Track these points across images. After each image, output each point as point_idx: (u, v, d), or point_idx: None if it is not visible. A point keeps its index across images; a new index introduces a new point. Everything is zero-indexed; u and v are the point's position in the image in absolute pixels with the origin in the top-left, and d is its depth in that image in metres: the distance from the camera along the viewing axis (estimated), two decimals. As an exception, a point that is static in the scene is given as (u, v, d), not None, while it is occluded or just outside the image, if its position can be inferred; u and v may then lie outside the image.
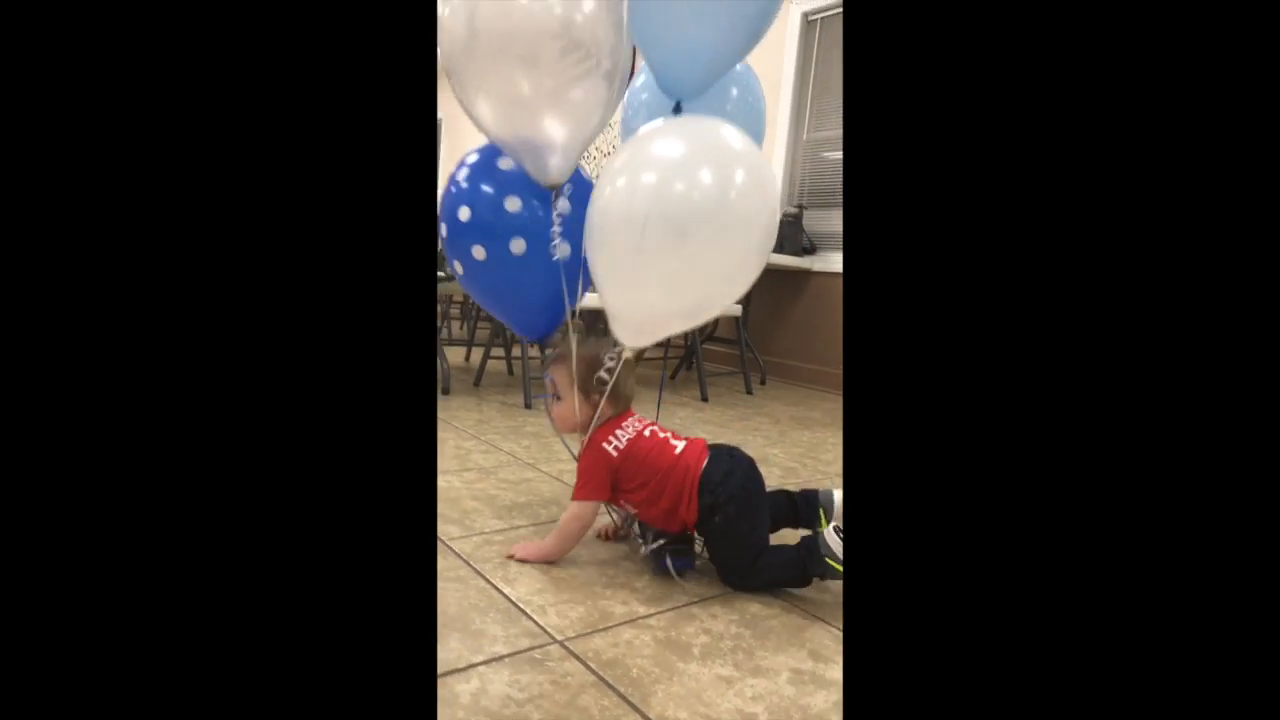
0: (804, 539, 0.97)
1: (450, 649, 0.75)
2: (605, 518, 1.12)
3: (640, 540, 1.02)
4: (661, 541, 0.99)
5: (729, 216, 0.85)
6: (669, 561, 0.98)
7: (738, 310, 2.84)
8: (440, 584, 0.90)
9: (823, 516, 1.05)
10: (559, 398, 1.05)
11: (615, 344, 1.01)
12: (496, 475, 1.41)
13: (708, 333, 3.27)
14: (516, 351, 2.70)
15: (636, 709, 0.68)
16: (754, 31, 1.02)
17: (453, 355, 3.09)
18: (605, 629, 0.83)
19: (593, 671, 0.74)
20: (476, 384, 2.45)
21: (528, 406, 2.12)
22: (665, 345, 3.38)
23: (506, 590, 0.91)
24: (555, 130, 1.01)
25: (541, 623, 0.83)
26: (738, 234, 0.87)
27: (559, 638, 0.80)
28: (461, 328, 4.08)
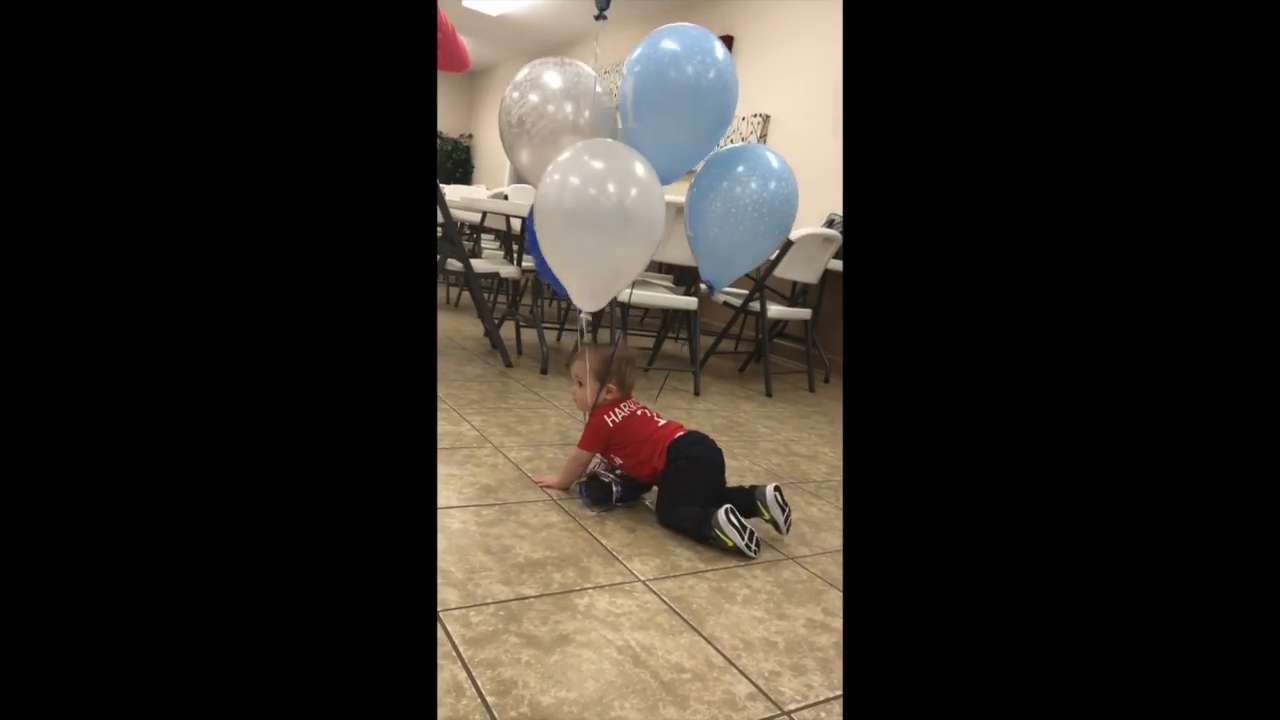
0: (708, 511, 1.29)
1: (569, 576, 1.09)
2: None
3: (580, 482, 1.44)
4: (585, 480, 1.42)
5: (625, 216, 1.33)
6: (584, 492, 1.40)
7: (807, 314, 3.08)
8: (556, 533, 1.24)
9: (760, 508, 1.35)
10: (582, 384, 1.47)
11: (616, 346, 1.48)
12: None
13: (778, 330, 3.52)
14: (604, 339, 3.04)
15: (695, 629, 1.00)
16: (709, 145, 1.52)
17: (548, 337, 3.45)
18: (675, 576, 1.15)
19: (665, 602, 1.06)
20: (568, 365, 2.80)
21: (613, 390, 2.46)
22: (737, 339, 3.65)
23: (604, 541, 1.24)
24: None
25: (629, 566, 1.16)
26: (632, 228, 1.34)
27: (642, 578, 1.13)
28: (549, 303, 4.45)
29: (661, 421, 1.44)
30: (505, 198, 3.25)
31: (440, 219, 2.43)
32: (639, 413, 1.44)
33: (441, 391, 2.07)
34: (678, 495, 1.34)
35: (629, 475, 1.42)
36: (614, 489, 1.39)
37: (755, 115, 4.39)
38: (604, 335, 3.12)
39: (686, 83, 1.39)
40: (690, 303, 2.66)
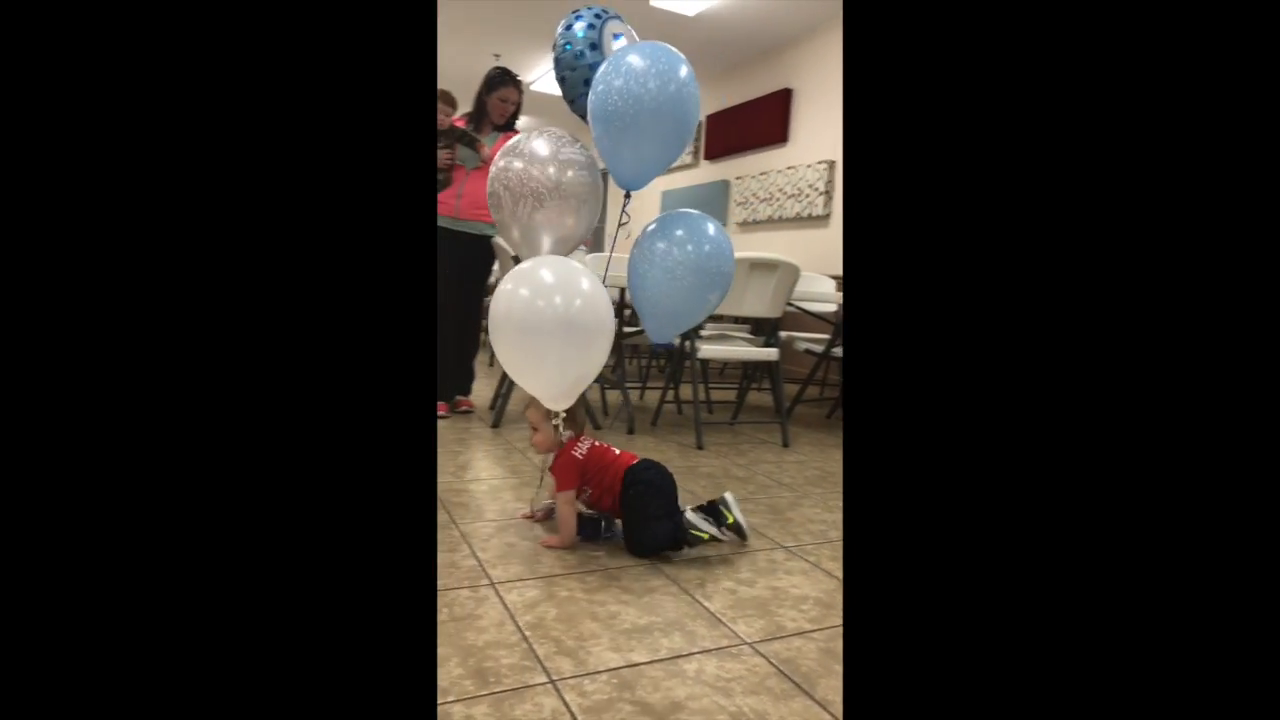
0: (675, 520, 1.45)
1: (675, 641, 1.10)
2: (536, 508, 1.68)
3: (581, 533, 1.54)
4: (583, 519, 1.54)
5: (572, 324, 1.42)
6: (579, 532, 1.52)
7: (891, 355, 3.03)
8: (659, 597, 1.26)
9: (724, 513, 1.52)
10: (537, 428, 1.57)
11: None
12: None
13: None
14: (686, 394, 3.07)
15: (807, 693, 0.99)
16: (673, 156, 1.67)
17: (631, 396, 3.51)
18: (781, 637, 1.15)
19: (774, 665, 1.06)
20: (654, 424, 2.84)
21: (700, 448, 2.47)
22: (821, 384, 3.61)
23: (706, 604, 1.25)
24: (545, 241, 1.64)
25: (734, 629, 1.16)
26: (579, 336, 1.44)
27: (748, 640, 1.13)
28: (630, 362, 4.54)
29: (618, 451, 1.57)
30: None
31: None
32: (597, 444, 1.57)
33: (537, 460, 2.15)
34: (644, 519, 1.46)
35: (595, 505, 1.54)
36: (602, 523, 1.53)
37: (820, 162, 4.42)
38: (685, 390, 3.15)
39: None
40: (771, 354, 2.66)
